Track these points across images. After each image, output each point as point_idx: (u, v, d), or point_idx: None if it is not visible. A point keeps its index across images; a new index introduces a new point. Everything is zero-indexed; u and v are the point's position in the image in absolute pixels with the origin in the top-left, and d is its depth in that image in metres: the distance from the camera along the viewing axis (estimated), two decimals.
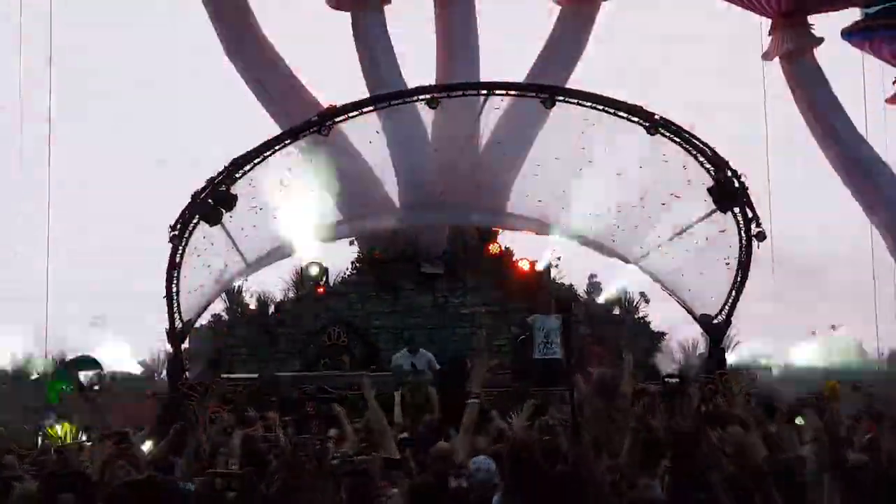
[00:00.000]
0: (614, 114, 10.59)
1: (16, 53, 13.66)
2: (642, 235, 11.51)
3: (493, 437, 5.65)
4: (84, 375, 10.90)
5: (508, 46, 13.46)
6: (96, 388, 10.79)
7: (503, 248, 13.25)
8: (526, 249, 12.82)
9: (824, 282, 12.50)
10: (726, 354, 11.01)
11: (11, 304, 12.52)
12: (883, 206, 14.26)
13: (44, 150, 13.30)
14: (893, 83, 14.82)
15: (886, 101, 14.76)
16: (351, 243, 12.85)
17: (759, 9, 13.59)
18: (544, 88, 11.01)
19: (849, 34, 14.29)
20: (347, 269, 12.78)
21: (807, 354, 12.60)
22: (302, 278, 12.45)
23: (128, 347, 11.70)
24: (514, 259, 12.97)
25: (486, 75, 12.33)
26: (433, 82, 12.44)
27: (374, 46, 12.42)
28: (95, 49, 14.37)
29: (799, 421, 6.96)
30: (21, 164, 14.04)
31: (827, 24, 13.60)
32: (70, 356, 11.48)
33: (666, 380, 6.71)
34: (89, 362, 11.24)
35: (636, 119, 10.64)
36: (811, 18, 13.62)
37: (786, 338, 12.81)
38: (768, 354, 12.45)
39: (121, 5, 14.47)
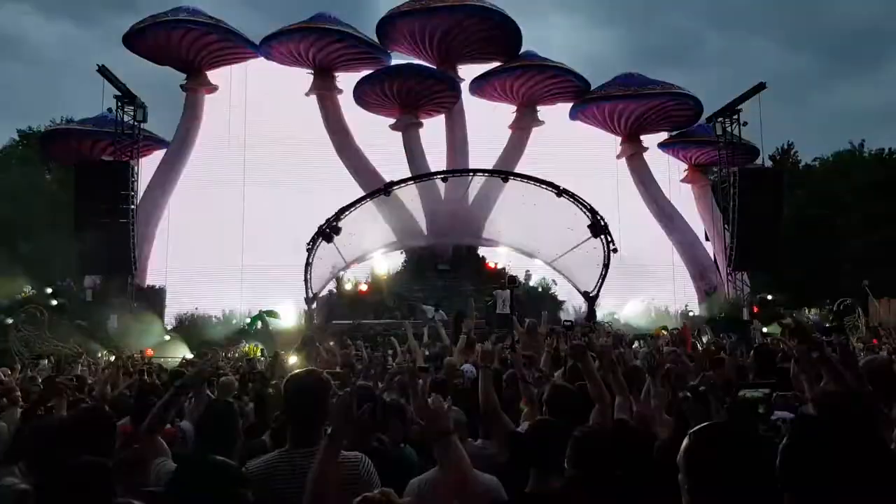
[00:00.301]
0: (539, 185, 20.27)
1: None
2: (555, 249, 21.02)
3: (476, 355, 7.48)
4: (268, 319, 19.90)
5: (484, 147, 23.04)
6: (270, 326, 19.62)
7: (482, 256, 22.77)
8: (494, 257, 22.42)
9: (647, 274, 21.79)
10: (596, 313, 20.33)
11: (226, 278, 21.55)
12: (677, 227, 23.19)
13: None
14: (685, 171, 24.17)
15: (681, 180, 24.50)
16: (402, 253, 22.33)
17: (612, 130, 23.47)
18: (502, 172, 20.93)
19: (663, 146, 24.20)
20: (399, 266, 22.30)
21: (637, 313, 21.62)
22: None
23: (290, 305, 20.64)
24: (487, 262, 22.51)
25: (473, 163, 22.01)
26: (444, 167, 22.03)
27: (413, 148, 22.27)
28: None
29: (635, 346, 10.16)
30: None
31: (651, 139, 23.35)
32: (261, 309, 20.40)
33: (564, 325, 8.52)
34: (272, 312, 20.31)
35: (551, 189, 20.30)
36: (643, 137, 23.55)
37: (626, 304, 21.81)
38: (615, 314, 21.46)
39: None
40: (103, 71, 19.92)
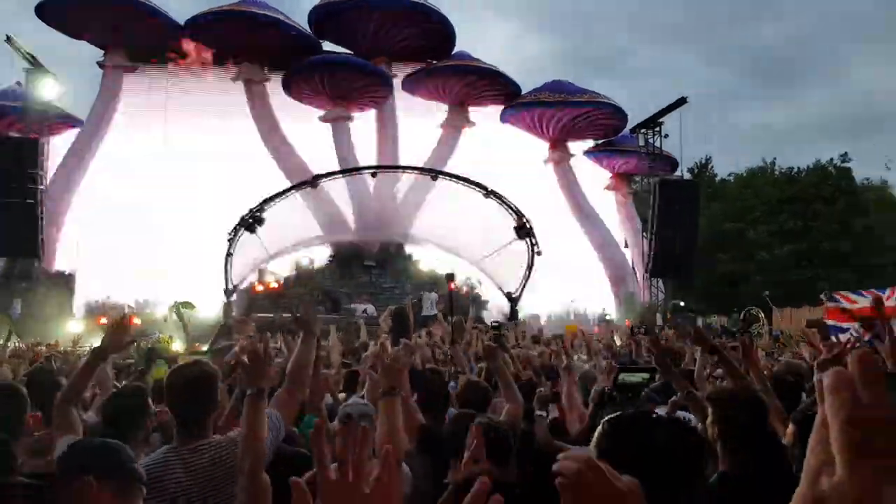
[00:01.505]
0: (467, 185, 20.48)
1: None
2: (481, 249, 21.26)
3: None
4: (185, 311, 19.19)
5: (414, 145, 23.01)
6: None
7: (409, 254, 22.77)
8: (421, 255, 22.45)
9: (569, 277, 22.34)
10: (518, 314, 20.65)
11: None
12: (598, 233, 23.92)
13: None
14: (609, 179, 25.35)
15: (605, 188, 25.34)
16: (327, 247, 22.02)
17: (539, 135, 23.94)
18: (433, 170, 20.99)
19: (588, 153, 24.87)
20: (325, 260, 22.00)
21: (557, 314, 22.16)
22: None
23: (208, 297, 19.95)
24: (412, 259, 22.56)
25: (403, 160, 21.96)
26: (374, 162, 21.90)
27: (342, 141, 21.95)
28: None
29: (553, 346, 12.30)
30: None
31: (577, 146, 24.02)
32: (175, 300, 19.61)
33: (492, 325, 9.69)
34: (188, 303, 19.56)
35: (479, 189, 20.55)
36: (569, 143, 24.12)
37: (547, 304, 22.29)
38: (537, 313, 21.91)
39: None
40: (10, 41, 18.77)
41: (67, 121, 21.65)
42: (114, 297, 20.19)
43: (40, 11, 20.62)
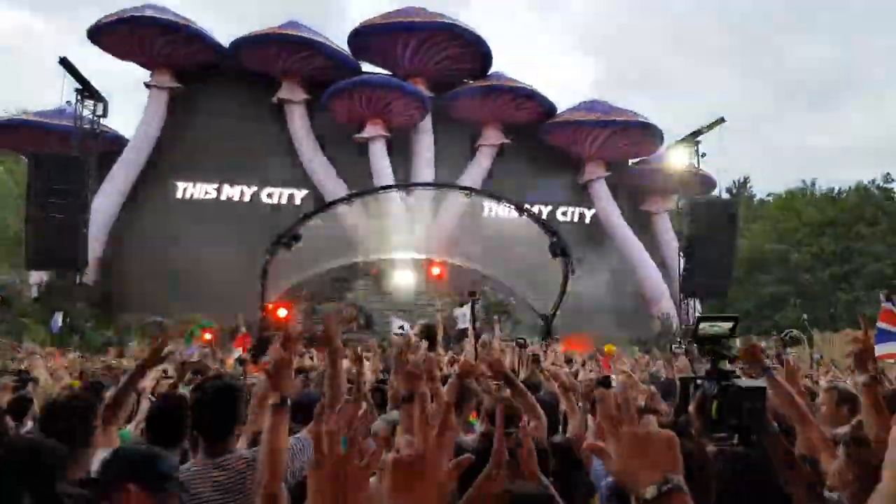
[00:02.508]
0: (501, 203, 20.48)
1: None
2: (515, 267, 21.20)
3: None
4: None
5: (449, 163, 23.21)
6: None
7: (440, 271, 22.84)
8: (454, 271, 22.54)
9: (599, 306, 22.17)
10: (553, 332, 20.48)
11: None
12: (634, 252, 23.86)
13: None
14: (644, 198, 25.23)
15: (640, 208, 25.05)
16: (361, 265, 22.28)
17: (575, 153, 23.75)
18: (466, 188, 21.07)
19: (625, 171, 24.70)
20: (359, 277, 22.25)
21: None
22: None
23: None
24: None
25: (437, 178, 22.14)
26: (409, 180, 22.11)
27: (378, 160, 22.15)
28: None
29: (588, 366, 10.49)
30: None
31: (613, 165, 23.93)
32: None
33: (517, 342, 8.80)
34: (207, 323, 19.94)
35: (514, 207, 20.53)
36: (605, 162, 24.00)
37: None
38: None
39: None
40: (65, 63, 19.51)
41: (114, 140, 22.35)
42: (153, 311, 20.77)
43: (93, 35, 21.45)
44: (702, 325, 3.15)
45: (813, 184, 36.62)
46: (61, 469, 2.48)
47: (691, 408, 2.74)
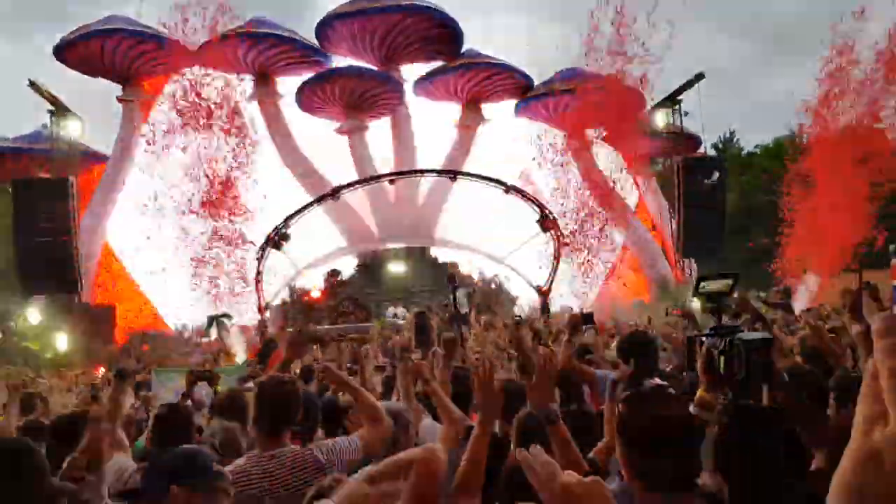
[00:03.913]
0: (487, 183, 20.43)
1: None
2: (506, 245, 21.21)
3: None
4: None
5: (431, 148, 23.11)
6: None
7: (434, 257, 22.86)
8: (446, 256, 22.53)
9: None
10: (549, 307, 20.54)
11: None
12: None
13: None
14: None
15: (626, 172, 24.97)
16: (354, 257, 22.28)
17: (557, 125, 23.58)
18: (450, 172, 21.03)
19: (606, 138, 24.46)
20: (352, 270, 22.24)
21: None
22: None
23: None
24: (438, 261, 22.64)
25: (420, 164, 22.03)
26: (392, 169, 22.02)
27: (360, 151, 22.14)
28: None
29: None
30: None
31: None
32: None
33: (514, 318, 10.44)
34: (226, 314, 19.94)
35: (499, 186, 20.46)
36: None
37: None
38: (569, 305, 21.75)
39: None
40: (34, 85, 19.36)
41: (93, 157, 22.21)
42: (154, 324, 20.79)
43: (58, 53, 21.21)
44: (702, 284, 3.16)
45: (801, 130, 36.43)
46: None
47: (698, 365, 2.76)
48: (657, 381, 3.53)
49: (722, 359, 2.60)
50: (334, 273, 21.92)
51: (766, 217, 30.27)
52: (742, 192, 30.19)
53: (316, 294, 21.75)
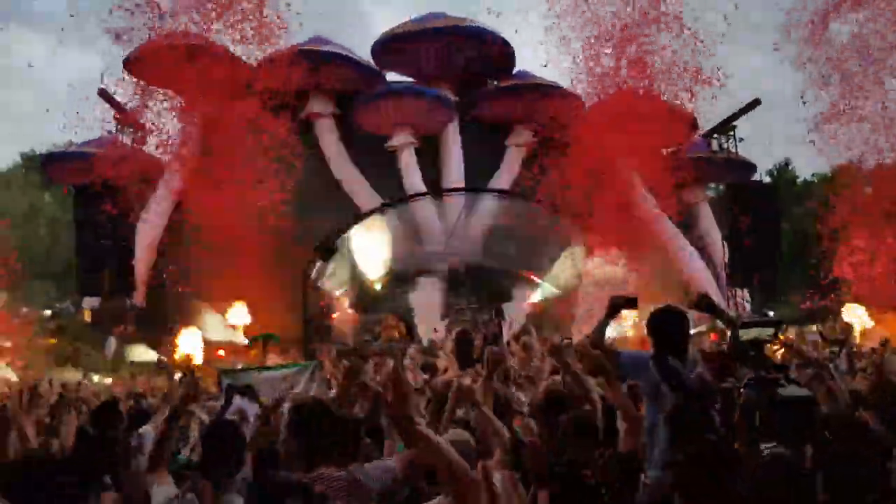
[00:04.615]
0: (531, 202, 20.36)
1: None
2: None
3: None
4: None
5: (480, 166, 23.17)
6: None
7: (482, 275, 22.81)
8: (493, 275, 22.50)
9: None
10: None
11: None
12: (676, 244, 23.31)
13: None
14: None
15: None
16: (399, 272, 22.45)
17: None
18: (499, 191, 21.08)
19: None
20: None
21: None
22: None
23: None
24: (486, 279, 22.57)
25: (468, 182, 22.11)
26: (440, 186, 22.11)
27: (409, 168, 22.20)
28: None
29: None
30: None
31: None
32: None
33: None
34: (272, 335, 20.32)
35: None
36: None
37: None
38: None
39: None
40: (103, 94, 20.21)
41: (154, 165, 22.95)
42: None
43: (127, 65, 22.06)
44: (743, 331, 3.02)
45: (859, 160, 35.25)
46: None
47: (736, 417, 2.68)
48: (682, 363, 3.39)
49: (758, 414, 2.52)
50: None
51: (823, 247, 29.40)
52: (797, 221, 29.33)
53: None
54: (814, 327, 21.23)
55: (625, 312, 4.09)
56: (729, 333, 3.98)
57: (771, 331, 2.94)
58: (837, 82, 19.17)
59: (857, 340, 15.19)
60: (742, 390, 2.70)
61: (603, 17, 20.54)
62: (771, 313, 21.80)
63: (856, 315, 17.96)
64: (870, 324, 17.38)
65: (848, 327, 17.76)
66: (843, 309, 17.72)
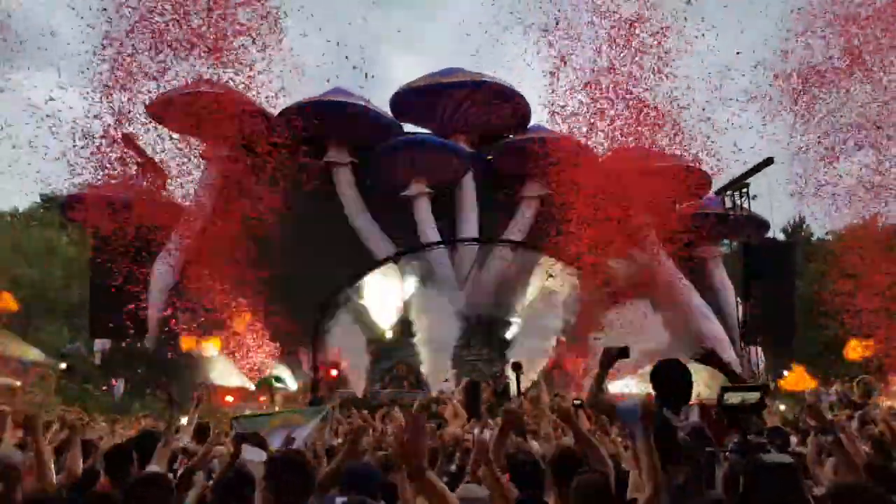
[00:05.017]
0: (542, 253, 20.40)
1: None
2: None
3: None
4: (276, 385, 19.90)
5: (495, 217, 23.38)
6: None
7: (494, 327, 22.75)
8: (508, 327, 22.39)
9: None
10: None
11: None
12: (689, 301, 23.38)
13: None
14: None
15: (693, 254, 24.58)
16: (411, 321, 22.39)
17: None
18: (512, 242, 21.14)
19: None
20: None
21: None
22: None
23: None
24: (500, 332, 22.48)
25: (484, 234, 22.24)
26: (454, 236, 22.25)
27: (423, 217, 22.55)
28: None
29: None
30: None
31: None
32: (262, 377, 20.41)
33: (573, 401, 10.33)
34: (278, 377, 20.24)
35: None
36: None
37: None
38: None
39: None
40: (126, 138, 20.62)
41: (173, 208, 23.22)
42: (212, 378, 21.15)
43: (151, 110, 22.55)
44: (727, 395, 3.01)
45: (875, 218, 35.14)
46: None
47: (719, 483, 2.67)
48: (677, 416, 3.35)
49: (742, 480, 2.49)
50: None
51: (839, 306, 29.06)
52: (813, 279, 29.12)
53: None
54: (832, 388, 21.03)
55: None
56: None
57: (757, 395, 2.93)
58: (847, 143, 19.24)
59: (880, 400, 14.90)
60: (728, 454, 2.70)
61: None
62: (786, 373, 21.50)
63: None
64: None
65: (867, 388, 17.46)
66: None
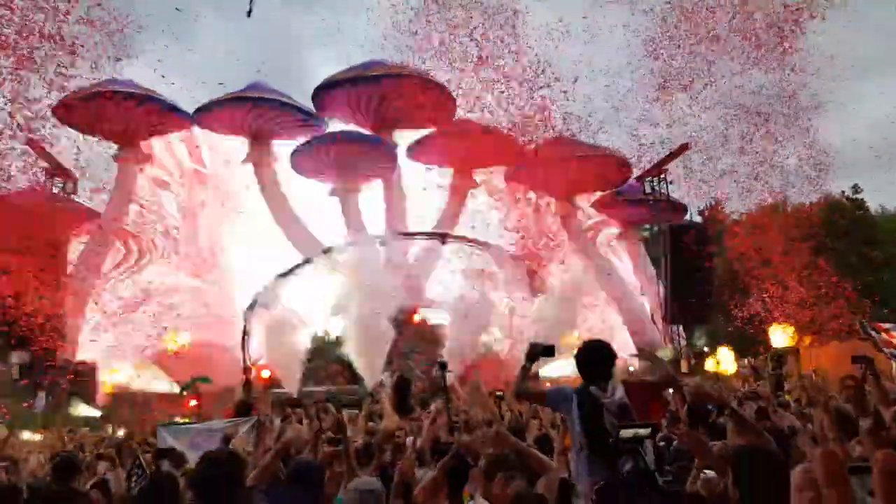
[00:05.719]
0: (477, 246, 20.69)
1: None
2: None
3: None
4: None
5: (421, 211, 23.48)
6: None
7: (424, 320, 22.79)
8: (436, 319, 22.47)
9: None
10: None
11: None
12: (613, 284, 23.86)
13: None
14: (618, 230, 25.70)
15: (615, 238, 25.43)
16: (342, 318, 22.22)
17: (547, 192, 24.32)
18: (441, 234, 21.26)
19: (597, 205, 25.05)
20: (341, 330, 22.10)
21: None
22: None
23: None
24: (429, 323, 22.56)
25: (411, 227, 22.27)
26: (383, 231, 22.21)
27: (351, 213, 22.41)
28: None
29: None
30: None
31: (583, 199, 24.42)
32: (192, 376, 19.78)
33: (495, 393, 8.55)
34: (205, 378, 19.65)
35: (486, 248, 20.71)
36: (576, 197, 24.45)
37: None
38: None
39: None
40: (31, 143, 19.58)
41: (88, 214, 22.27)
42: (135, 384, 20.42)
43: (57, 112, 21.48)
44: (623, 431, 3.36)
45: (784, 200, 36.97)
46: None
47: None
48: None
49: None
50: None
51: (754, 284, 30.52)
52: (729, 259, 30.45)
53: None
54: (745, 361, 22.16)
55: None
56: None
57: (648, 430, 3.37)
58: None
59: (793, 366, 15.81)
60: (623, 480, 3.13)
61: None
62: (705, 349, 22.38)
63: (786, 335, 18.80)
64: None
65: (779, 358, 18.51)
66: (770, 331, 18.56)
